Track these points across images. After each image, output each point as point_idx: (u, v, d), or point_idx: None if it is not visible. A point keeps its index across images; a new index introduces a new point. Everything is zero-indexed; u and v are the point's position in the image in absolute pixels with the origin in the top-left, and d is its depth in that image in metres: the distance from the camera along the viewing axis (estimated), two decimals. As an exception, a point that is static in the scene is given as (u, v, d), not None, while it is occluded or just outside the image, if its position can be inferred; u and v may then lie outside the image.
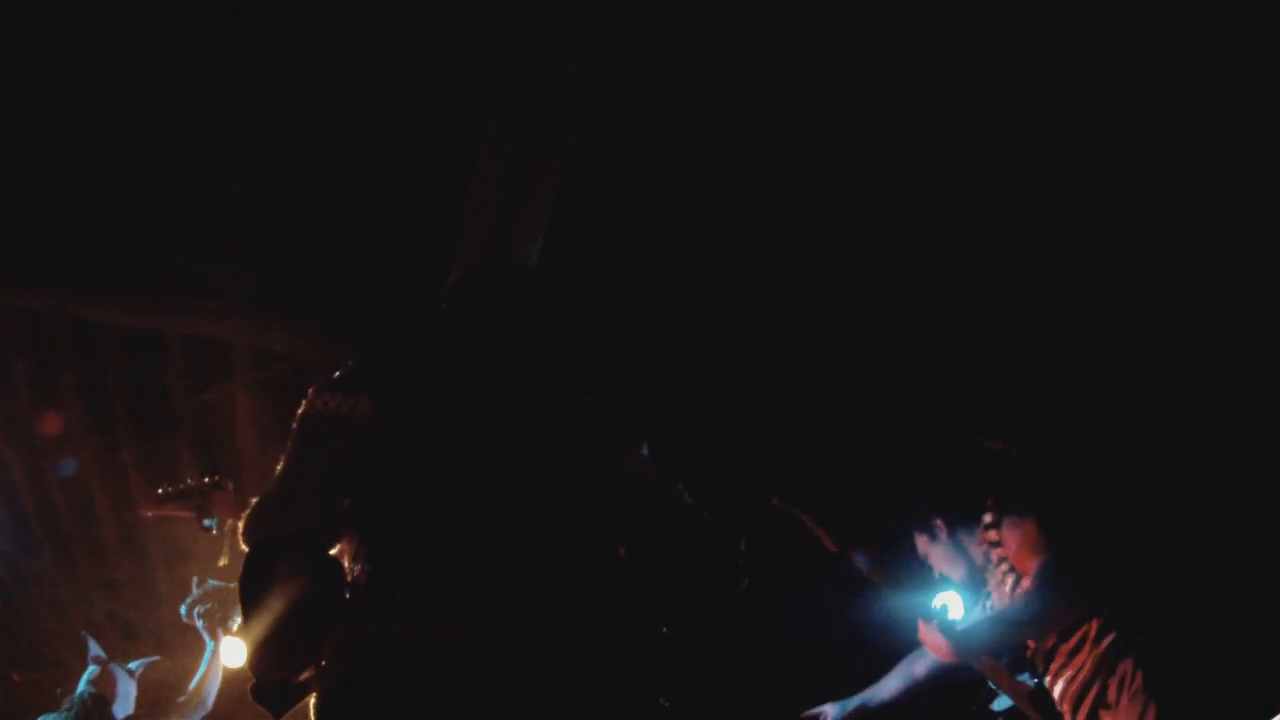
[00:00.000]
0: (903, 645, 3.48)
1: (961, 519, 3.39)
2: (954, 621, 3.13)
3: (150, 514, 3.17)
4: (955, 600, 3.38)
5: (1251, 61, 3.15)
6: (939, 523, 3.42)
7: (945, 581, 3.43)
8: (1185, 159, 3.49)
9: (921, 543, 3.48)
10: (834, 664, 4.16)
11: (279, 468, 1.79)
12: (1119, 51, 3.16)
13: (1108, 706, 2.96)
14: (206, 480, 3.16)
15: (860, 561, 3.63)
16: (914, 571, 3.58)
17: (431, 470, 1.73)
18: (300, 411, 1.81)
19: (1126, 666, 2.94)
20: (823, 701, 3.62)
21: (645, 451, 1.90)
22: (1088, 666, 3.01)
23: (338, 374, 1.87)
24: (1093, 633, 3.02)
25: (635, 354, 4.22)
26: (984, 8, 3.06)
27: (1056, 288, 3.99)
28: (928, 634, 3.09)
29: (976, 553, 3.34)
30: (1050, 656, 3.14)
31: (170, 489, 3.15)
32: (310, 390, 1.83)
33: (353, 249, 3.85)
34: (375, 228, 3.78)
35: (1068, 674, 3.07)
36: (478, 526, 1.68)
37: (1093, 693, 2.99)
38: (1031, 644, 3.20)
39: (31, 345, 4.22)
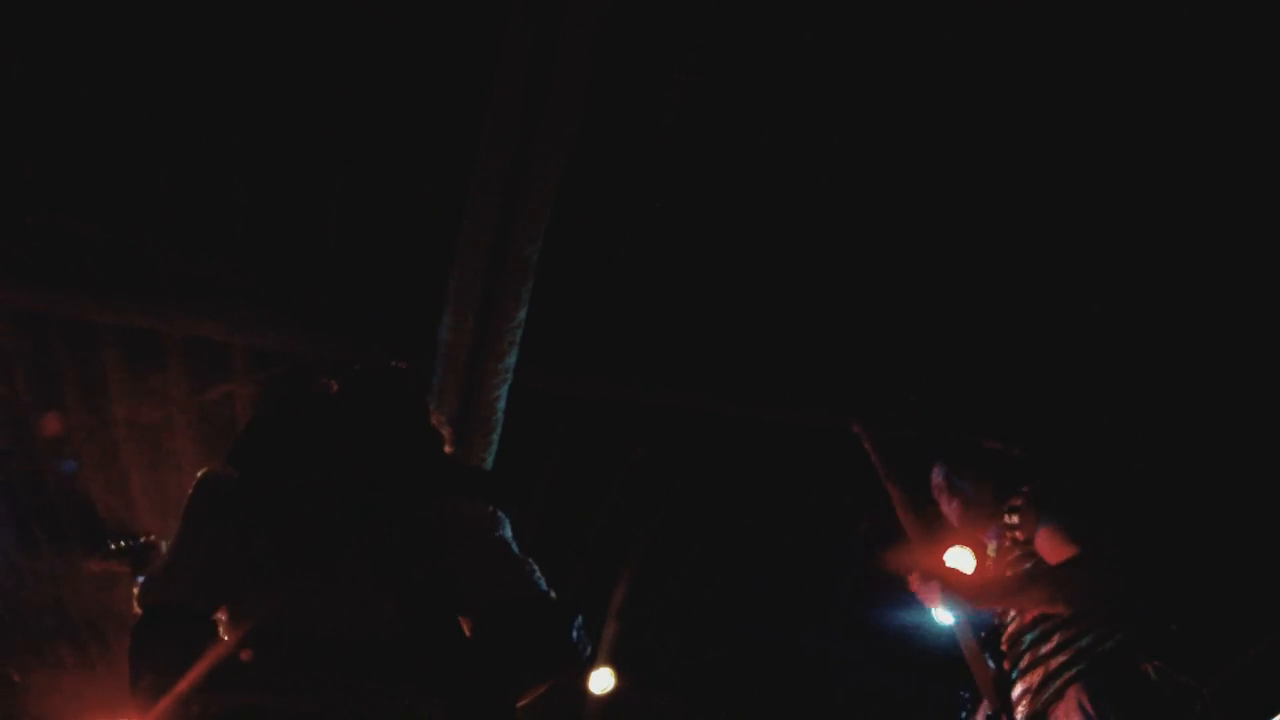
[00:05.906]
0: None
1: (982, 490, 3.32)
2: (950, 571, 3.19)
3: (96, 569, 3.53)
4: (960, 556, 3.35)
5: (1251, 62, 3.15)
6: (962, 484, 3.36)
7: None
8: (1186, 160, 3.50)
9: (941, 496, 3.45)
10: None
11: (174, 538, 1.96)
12: (1118, 52, 3.17)
13: None
14: (142, 540, 3.47)
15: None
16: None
17: (288, 553, 1.89)
18: (195, 485, 1.98)
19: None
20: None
21: (503, 533, 2.02)
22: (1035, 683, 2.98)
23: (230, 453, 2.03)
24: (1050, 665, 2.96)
25: (635, 354, 4.22)
26: (984, 7, 3.06)
27: (1057, 288, 4.00)
28: (919, 584, 3.18)
29: (992, 526, 3.27)
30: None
31: (112, 546, 3.47)
32: (203, 470, 2.01)
33: (353, 249, 3.85)
34: (375, 228, 3.78)
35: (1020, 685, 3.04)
36: (326, 610, 1.84)
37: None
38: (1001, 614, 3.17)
39: (31, 345, 4.22)
